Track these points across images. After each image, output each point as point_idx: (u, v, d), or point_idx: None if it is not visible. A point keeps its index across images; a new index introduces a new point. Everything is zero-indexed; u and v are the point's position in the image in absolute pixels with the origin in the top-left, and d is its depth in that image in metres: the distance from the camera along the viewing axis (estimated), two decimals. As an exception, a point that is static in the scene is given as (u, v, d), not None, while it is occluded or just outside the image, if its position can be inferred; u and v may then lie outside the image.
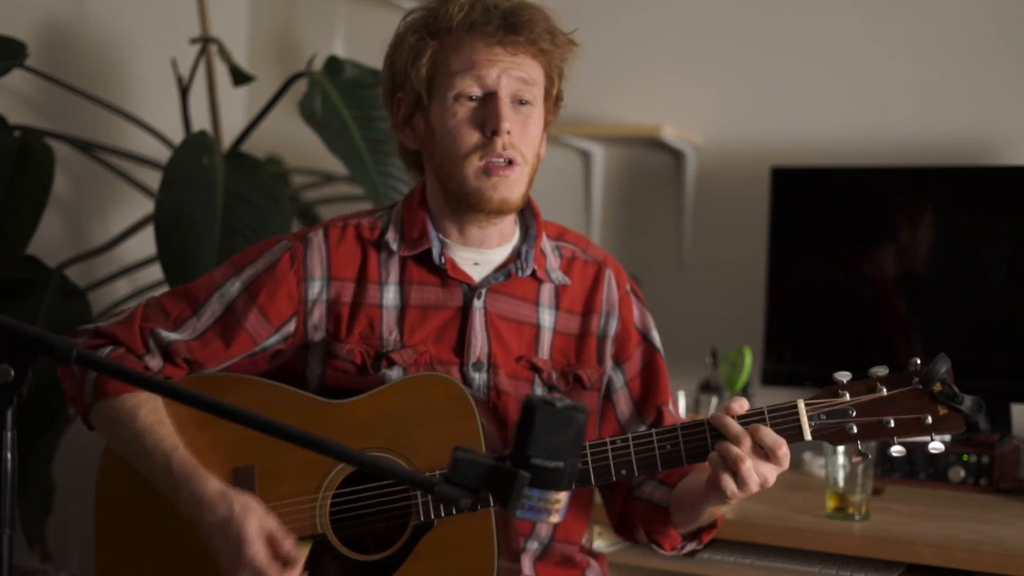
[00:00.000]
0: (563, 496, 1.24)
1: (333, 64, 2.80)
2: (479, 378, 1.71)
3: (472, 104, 1.67)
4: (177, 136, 2.84)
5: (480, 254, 1.75)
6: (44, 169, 2.52)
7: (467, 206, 1.70)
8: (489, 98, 1.66)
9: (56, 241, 2.92)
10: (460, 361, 1.72)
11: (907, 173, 2.75)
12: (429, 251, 1.72)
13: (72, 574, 3.02)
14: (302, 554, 1.58)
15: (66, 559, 3.02)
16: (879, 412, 1.56)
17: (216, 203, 2.51)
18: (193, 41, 2.89)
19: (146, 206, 2.98)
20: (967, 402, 1.54)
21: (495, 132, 1.65)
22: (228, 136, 3.02)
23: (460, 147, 1.67)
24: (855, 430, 1.56)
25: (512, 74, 1.67)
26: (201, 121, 2.92)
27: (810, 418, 1.56)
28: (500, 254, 1.76)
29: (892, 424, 1.56)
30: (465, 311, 1.73)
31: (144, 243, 2.85)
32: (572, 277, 1.79)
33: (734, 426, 1.55)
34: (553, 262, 1.79)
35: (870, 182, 2.78)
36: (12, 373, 1.20)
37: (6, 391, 1.20)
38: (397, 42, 1.73)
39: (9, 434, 1.21)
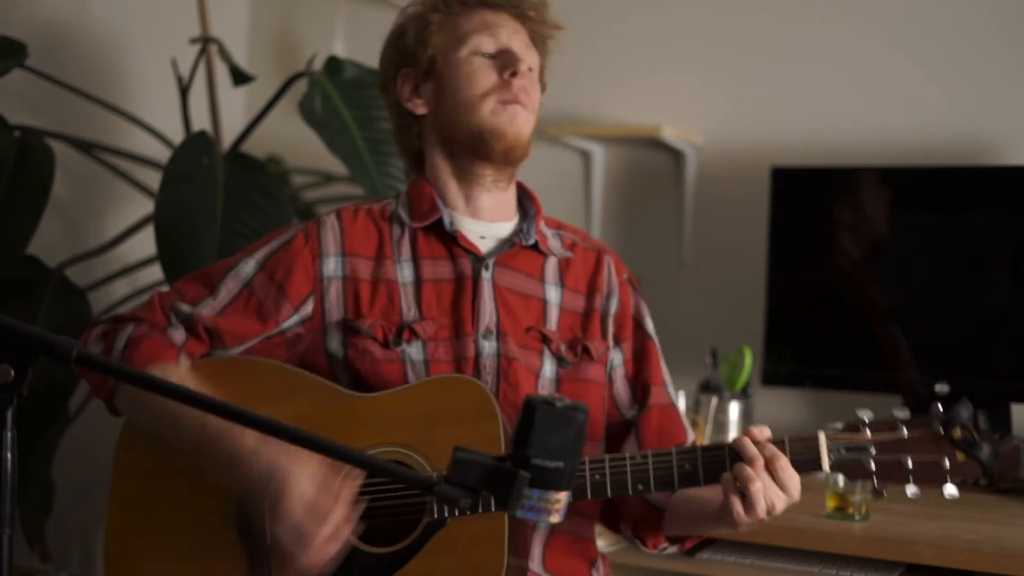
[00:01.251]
0: (563, 496, 1.25)
1: (333, 64, 2.80)
2: (488, 346, 1.73)
3: (486, 58, 1.76)
4: (177, 136, 2.84)
5: (485, 227, 1.79)
6: (44, 169, 2.52)
7: (478, 153, 1.75)
8: (503, 52, 1.76)
9: (56, 241, 2.92)
10: (475, 332, 1.74)
11: (907, 173, 2.75)
12: (440, 221, 1.76)
13: (72, 574, 3.02)
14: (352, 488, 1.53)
15: (66, 559, 3.02)
16: (898, 452, 1.60)
17: (216, 203, 2.51)
18: (193, 41, 2.89)
19: (146, 206, 2.98)
20: (986, 450, 1.58)
21: (514, 73, 1.74)
22: (228, 136, 3.01)
23: (477, 88, 1.75)
24: (873, 467, 1.60)
25: (519, 37, 1.78)
26: (201, 121, 2.92)
27: (829, 450, 1.59)
28: (504, 228, 1.81)
29: (910, 465, 1.60)
30: (475, 282, 1.75)
31: (144, 243, 2.85)
32: (575, 259, 1.84)
33: (750, 447, 1.58)
34: (554, 242, 1.85)
35: (870, 182, 2.78)
36: (12, 373, 1.19)
37: (6, 391, 1.20)
38: (401, 27, 1.83)
39: (9, 434, 1.21)
